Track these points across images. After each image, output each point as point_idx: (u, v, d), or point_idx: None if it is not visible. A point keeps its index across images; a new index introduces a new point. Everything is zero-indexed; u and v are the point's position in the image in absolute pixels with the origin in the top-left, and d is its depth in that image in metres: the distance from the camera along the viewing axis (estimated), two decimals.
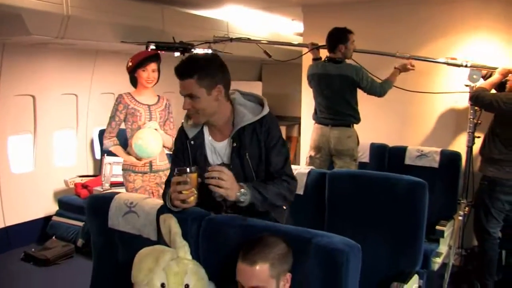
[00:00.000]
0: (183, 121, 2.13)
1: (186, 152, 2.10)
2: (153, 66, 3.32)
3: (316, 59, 4.03)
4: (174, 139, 3.08)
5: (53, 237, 4.51)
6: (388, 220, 2.58)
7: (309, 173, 2.91)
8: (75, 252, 4.33)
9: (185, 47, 4.02)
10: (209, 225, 1.90)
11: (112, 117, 3.36)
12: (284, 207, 2.16)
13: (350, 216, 2.72)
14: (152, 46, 4.00)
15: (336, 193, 2.78)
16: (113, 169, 4.62)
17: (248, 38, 4.35)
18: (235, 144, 2.01)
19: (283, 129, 6.57)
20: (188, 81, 1.89)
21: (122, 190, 3.40)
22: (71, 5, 3.58)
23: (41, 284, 3.84)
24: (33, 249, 4.31)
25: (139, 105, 3.35)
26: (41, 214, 4.78)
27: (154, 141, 3.23)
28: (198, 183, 1.86)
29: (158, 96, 3.48)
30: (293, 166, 3.04)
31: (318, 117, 3.92)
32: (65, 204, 4.71)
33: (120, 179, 3.59)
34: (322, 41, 3.97)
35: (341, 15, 4.42)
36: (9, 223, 4.46)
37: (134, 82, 3.40)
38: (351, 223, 2.67)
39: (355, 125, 3.85)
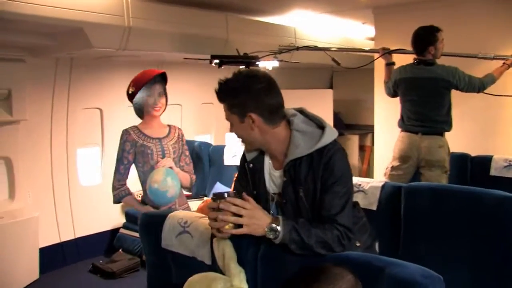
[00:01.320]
0: None
1: (246, 176, 1.90)
2: (158, 88, 2.73)
3: (389, 64, 3.71)
4: (191, 176, 2.89)
5: (120, 250, 4.51)
6: (472, 241, 2.28)
7: (383, 186, 2.67)
8: (141, 266, 4.27)
9: (249, 61, 3.84)
10: (268, 250, 1.69)
11: (119, 160, 2.74)
12: (358, 244, 1.85)
13: (429, 236, 2.45)
14: (216, 61, 3.86)
15: (413, 210, 2.51)
16: None
17: (315, 46, 4.10)
18: (285, 178, 1.76)
19: (355, 138, 6.30)
20: (223, 105, 1.75)
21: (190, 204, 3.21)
22: (132, 16, 3.53)
23: None
24: (100, 261, 4.33)
25: (149, 140, 2.75)
26: (109, 227, 4.80)
27: (172, 183, 2.62)
28: None
29: (168, 126, 2.88)
30: (365, 180, 2.83)
31: (406, 125, 3.59)
32: (132, 217, 4.68)
33: (187, 192, 3.38)
34: (395, 45, 3.70)
35: (415, 15, 4.06)
36: (79, 234, 4.52)
37: (140, 112, 2.80)
38: (429, 245, 2.42)
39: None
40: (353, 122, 6.66)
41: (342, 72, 6.97)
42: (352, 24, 5.30)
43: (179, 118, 5.38)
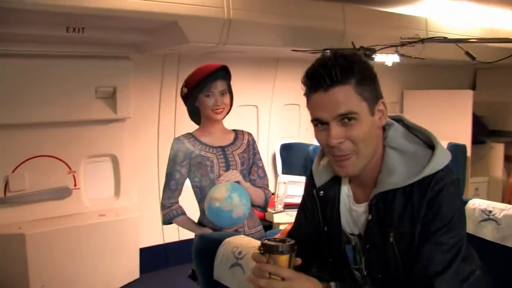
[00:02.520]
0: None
1: (315, 204, 1.42)
2: (220, 86, 2.25)
3: None
4: (266, 191, 2.36)
5: None
6: None
7: None
8: None
9: (365, 54, 3.33)
10: None
11: (169, 175, 2.33)
12: None
13: None
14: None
15: None
16: (287, 189, 4.20)
17: (445, 37, 3.40)
18: (370, 217, 1.27)
19: (500, 147, 5.36)
20: (340, 90, 1.17)
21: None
22: (233, 8, 3.23)
23: None
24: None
25: (209, 150, 2.29)
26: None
27: (239, 201, 2.14)
28: (294, 267, 1.18)
29: (235, 131, 2.42)
30: (499, 205, 2.20)
31: None
32: None
33: (296, 200, 2.89)
34: None
35: None
36: (183, 237, 4.38)
37: (196, 116, 2.37)
38: None
39: None
40: (499, 128, 5.69)
41: (487, 70, 6.02)
42: (500, 13, 4.43)
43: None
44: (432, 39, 3.23)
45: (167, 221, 2.36)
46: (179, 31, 3.11)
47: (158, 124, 4.18)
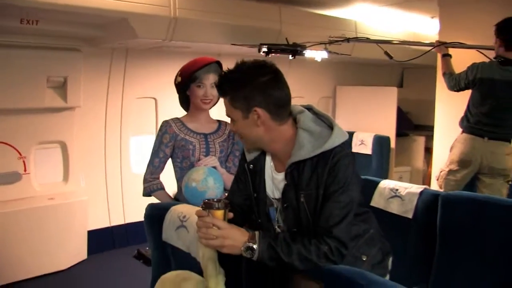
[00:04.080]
0: None
1: (246, 176, 1.78)
2: (212, 78, 2.43)
3: (445, 55, 3.44)
4: None
5: None
6: None
7: (421, 193, 2.48)
8: None
9: (295, 49, 3.70)
10: (252, 262, 1.56)
11: (154, 153, 2.53)
12: (364, 259, 1.69)
13: (466, 254, 2.24)
14: (264, 49, 3.78)
15: (449, 221, 2.31)
16: None
17: (367, 38, 3.86)
18: (286, 182, 1.63)
19: (421, 140, 5.92)
20: (224, 100, 1.63)
21: None
22: (179, 7, 3.53)
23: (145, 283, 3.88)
24: (147, 248, 4.40)
25: (193, 135, 2.51)
26: None
27: (213, 184, 2.34)
28: (228, 220, 1.54)
29: (218, 121, 2.63)
30: (403, 184, 2.62)
31: (472, 127, 3.34)
32: None
33: None
34: (460, 39, 3.45)
35: (487, 8, 3.69)
36: (129, 220, 4.64)
37: (185, 103, 2.59)
38: (466, 264, 2.22)
39: None
40: (422, 123, 6.26)
41: (413, 70, 6.61)
42: (419, 19, 4.96)
43: None
44: (356, 39, 3.66)
45: (147, 193, 2.59)
46: (129, 27, 3.38)
47: (106, 113, 4.39)
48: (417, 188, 2.54)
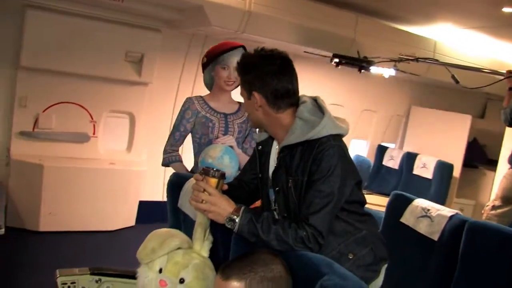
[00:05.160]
0: None
1: (256, 156, 1.89)
2: (235, 61, 2.45)
3: None
4: None
5: None
6: None
7: (451, 217, 2.44)
8: None
9: (363, 65, 3.69)
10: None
11: (176, 127, 2.64)
12: (350, 257, 1.70)
13: (484, 281, 2.19)
14: (336, 60, 3.79)
15: (472, 249, 2.25)
16: None
17: (437, 60, 3.74)
18: (277, 164, 1.72)
19: (491, 174, 5.59)
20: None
21: None
22: (254, 2, 3.66)
23: None
24: None
25: (213, 114, 2.59)
26: None
27: (229, 163, 2.38)
28: (220, 191, 1.63)
29: (239, 103, 2.67)
30: (436, 206, 2.57)
31: None
32: None
33: None
34: None
35: None
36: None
37: (209, 83, 2.69)
38: None
39: None
40: (498, 158, 5.92)
41: (497, 102, 6.24)
42: (509, 47, 4.70)
43: None
44: (425, 60, 3.57)
45: (165, 163, 2.69)
46: (204, 14, 3.56)
47: (177, 94, 4.62)
48: (448, 212, 2.49)
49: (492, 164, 5.90)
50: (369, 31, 4.30)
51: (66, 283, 2.03)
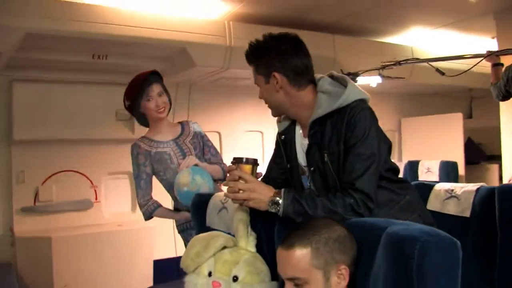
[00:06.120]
0: None
1: (280, 148, 1.85)
2: (156, 88, 2.50)
3: (496, 64, 3.34)
4: (222, 165, 2.61)
5: None
6: None
7: (477, 190, 2.37)
8: None
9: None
10: (283, 226, 1.59)
11: (137, 177, 2.55)
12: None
13: None
14: None
15: (508, 213, 2.17)
16: None
17: (417, 58, 3.84)
18: (308, 142, 1.68)
19: (494, 168, 5.61)
20: (252, 69, 1.76)
21: None
22: (234, 37, 3.75)
23: None
24: None
25: (163, 146, 2.54)
26: None
27: (202, 180, 2.36)
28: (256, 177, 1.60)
29: (180, 123, 2.68)
30: (459, 184, 2.54)
31: None
32: None
33: None
34: None
35: None
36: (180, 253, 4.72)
37: (144, 121, 2.61)
38: None
39: None
40: (496, 153, 5.95)
41: (481, 100, 6.38)
42: (480, 41, 4.85)
43: None
44: (406, 61, 3.66)
45: (148, 216, 2.62)
46: (188, 56, 3.63)
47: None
48: (473, 186, 2.44)
49: (493, 159, 5.94)
50: (347, 48, 4.41)
51: None
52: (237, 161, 1.57)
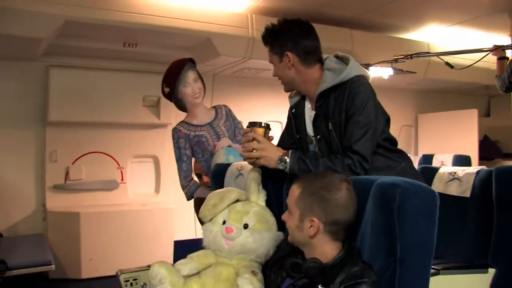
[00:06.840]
0: None
1: (291, 121, 2.07)
2: (191, 75, 2.70)
3: (502, 58, 3.47)
4: None
5: None
6: None
7: (477, 172, 2.54)
8: None
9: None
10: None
11: (179, 159, 2.73)
12: None
13: None
14: None
15: (504, 192, 2.31)
16: None
17: (428, 52, 3.99)
18: (314, 113, 1.89)
19: (509, 164, 5.65)
20: (267, 49, 1.96)
21: None
22: (256, 28, 3.96)
23: None
24: None
25: (201, 129, 2.72)
26: None
27: (235, 160, 2.51)
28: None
29: (214, 107, 2.87)
30: (461, 167, 2.69)
31: None
32: None
33: None
34: None
35: None
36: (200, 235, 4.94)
37: (182, 106, 2.79)
38: None
39: None
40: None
41: (499, 98, 6.43)
42: (498, 39, 4.93)
43: None
44: (418, 55, 3.80)
45: (189, 196, 2.80)
46: (212, 46, 3.85)
47: None
48: (474, 169, 2.59)
49: (510, 157, 6.00)
50: (365, 42, 4.57)
51: (128, 280, 2.13)
52: (251, 125, 1.78)
